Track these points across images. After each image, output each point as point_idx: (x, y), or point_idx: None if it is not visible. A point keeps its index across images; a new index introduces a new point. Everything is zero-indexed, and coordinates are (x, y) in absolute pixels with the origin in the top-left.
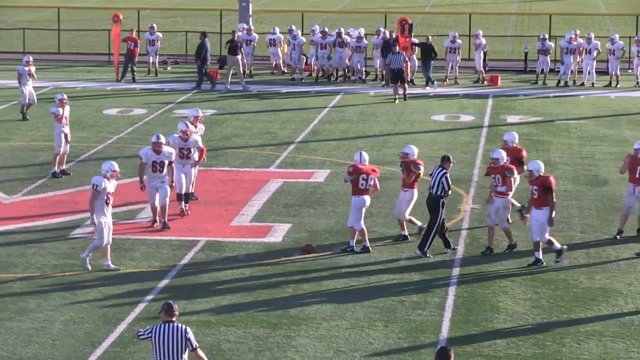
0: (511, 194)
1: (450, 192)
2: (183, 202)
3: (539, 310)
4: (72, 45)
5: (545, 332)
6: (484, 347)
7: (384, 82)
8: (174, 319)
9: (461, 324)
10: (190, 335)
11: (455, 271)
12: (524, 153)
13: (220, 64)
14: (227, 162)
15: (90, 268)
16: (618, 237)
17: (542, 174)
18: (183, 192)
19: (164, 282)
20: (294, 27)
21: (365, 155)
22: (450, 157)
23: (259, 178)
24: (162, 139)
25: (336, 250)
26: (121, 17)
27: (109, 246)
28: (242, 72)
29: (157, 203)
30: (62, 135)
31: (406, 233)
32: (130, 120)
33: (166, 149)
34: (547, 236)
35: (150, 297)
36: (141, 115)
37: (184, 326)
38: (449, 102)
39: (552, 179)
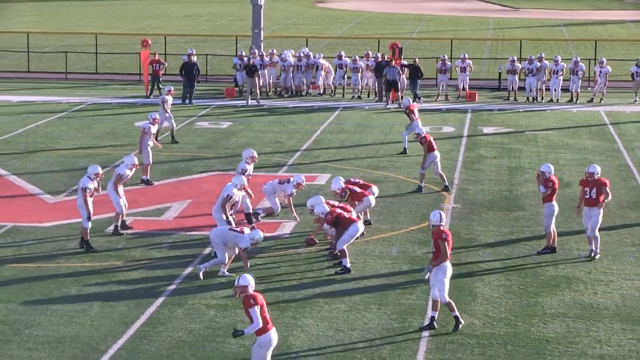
0: None
1: None
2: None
3: (511, 295)
4: (107, 66)
5: (516, 314)
6: (464, 326)
7: (377, 98)
8: None
9: (444, 307)
10: None
11: None
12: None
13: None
14: None
15: (225, 274)
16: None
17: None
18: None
19: (187, 270)
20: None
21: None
22: None
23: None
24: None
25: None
26: (150, 42)
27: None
28: (258, 91)
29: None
30: (149, 147)
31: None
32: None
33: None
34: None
35: (175, 283)
36: (168, 127)
37: None
38: (433, 115)
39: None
